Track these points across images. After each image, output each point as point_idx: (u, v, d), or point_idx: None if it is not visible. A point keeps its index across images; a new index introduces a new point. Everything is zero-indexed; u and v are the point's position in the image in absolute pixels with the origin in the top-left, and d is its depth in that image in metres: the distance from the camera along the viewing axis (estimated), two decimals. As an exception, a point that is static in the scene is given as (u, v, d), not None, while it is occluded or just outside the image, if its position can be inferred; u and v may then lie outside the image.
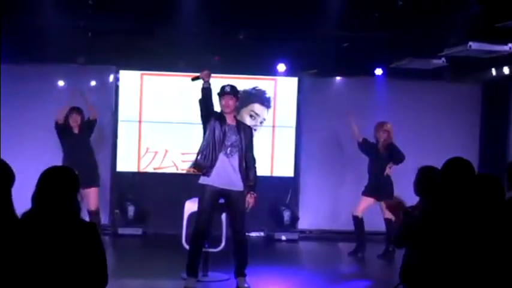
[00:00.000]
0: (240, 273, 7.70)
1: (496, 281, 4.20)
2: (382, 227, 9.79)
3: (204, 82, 7.53)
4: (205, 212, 7.57)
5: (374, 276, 8.77)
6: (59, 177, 4.01)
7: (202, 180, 7.56)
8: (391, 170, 9.74)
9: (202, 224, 7.57)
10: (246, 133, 7.68)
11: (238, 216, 7.63)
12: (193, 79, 7.70)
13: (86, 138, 9.40)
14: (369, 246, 9.92)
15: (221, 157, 7.50)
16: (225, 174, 7.51)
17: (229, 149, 7.52)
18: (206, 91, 7.52)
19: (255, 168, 7.71)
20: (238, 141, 7.55)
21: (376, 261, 9.62)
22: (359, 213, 9.84)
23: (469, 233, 4.27)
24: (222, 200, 7.72)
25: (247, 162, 7.62)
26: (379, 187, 9.71)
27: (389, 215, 9.67)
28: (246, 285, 7.63)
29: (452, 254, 4.27)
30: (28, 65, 10.56)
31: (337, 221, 11.45)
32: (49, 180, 3.98)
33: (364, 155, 10.03)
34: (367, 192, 9.87)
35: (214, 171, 7.49)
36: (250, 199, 7.61)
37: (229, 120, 7.62)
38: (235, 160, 7.54)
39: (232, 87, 7.65)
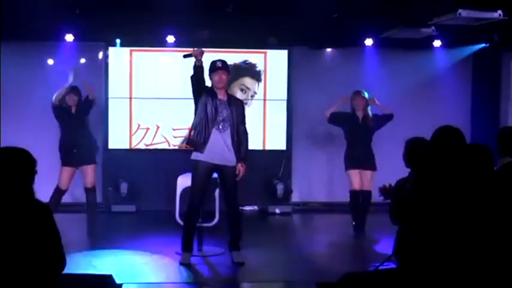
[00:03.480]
0: (234, 247, 7.73)
1: (489, 249, 4.21)
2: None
3: (197, 60, 7.48)
4: (199, 188, 7.57)
5: (368, 247, 8.79)
6: (15, 158, 3.98)
7: (195, 156, 7.55)
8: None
9: (197, 200, 7.58)
10: (237, 107, 7.67)
11: (232, 191, 7.64)
12: (185, 56, 7.64)
13: (83, 116, 9.34)
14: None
15: (214, 132, 7.49)
16: (218, 149, 7.50)
17: (221, 124, 7.51)
18: (199, 69, 7.47)
19: (247, 142, 7.70)
20: (229, 116, 7.54)
21: (370, 232, 9.62)
22: (357, 187, 9.55)
23: (460, 203, 4.27)
24: (215, 175, 7.72)
25: (238, 136, 7.61)
26: (362, 158, 9.50)
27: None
28: (241, 259, 7.65)
29: (444, 224, 4.27)
30: (16, 43, 10.46)
31: (331, 193, 11.49)
32: (5, 161, 3.96)
33: (339, 126, 9.81)
34: (352, 165, 9.55)
35: (208, 147, 7.48)
36: (240, 168, 7.60)
37: (221, 95, 7.60)
38: (227, 135, 7.54)
39: (224, 62, 7.62)
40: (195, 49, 7.51)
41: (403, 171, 5.71)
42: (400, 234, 5.12)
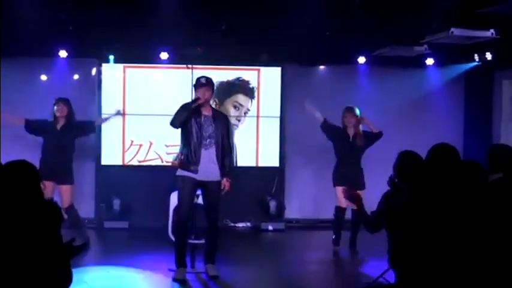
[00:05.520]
0: (209, 260, 7.75)
1: (483, 262, 4.22)
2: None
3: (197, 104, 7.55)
4: (186, 204, 7.62)
5: (361, 263, 8.79)
6: (18, 171, 4.01)
7: (181, 172, 7.59)
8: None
9: (184, 215, 7.64)
10: (221, 122, 7.72)
11: (214, 204, 7.67)
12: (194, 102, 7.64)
13: (68, 136, 9.27)
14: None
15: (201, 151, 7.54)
16: (204, 166, 7.54)
17: (207, 140, 7.55)
18: (192, 111, 7.53)
19: (232, 156, 7.75)
20: (214, 132, 7.59)
21: (362, 248, 9.60)
22: (343, 204, 9.52)
23: (454, 218, 4.28)
24: (199, 191, 7.77)
25: (223, 151, 7.63)
26: (350, 175, 9.42)
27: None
28: (215, 273, 7.65)
29: (439, 238, 4.28)
30: (8, 59, 10.45)
31: (323, 210, 11.45)
32: (9, 175, 3.99)
33: (329, 138, 9.76)
34: (340, 182, 9.43)
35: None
36: (225, 183, 7.64)
37: (205, 111, 7.64)
38: (212, 151, 7.59)
39: (208, 79, 7.66)
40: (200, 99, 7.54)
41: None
42: (395, 247, 5.11)
